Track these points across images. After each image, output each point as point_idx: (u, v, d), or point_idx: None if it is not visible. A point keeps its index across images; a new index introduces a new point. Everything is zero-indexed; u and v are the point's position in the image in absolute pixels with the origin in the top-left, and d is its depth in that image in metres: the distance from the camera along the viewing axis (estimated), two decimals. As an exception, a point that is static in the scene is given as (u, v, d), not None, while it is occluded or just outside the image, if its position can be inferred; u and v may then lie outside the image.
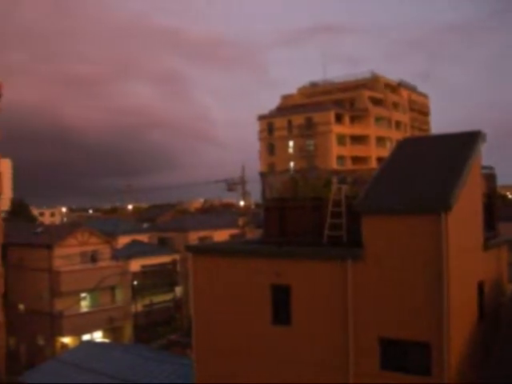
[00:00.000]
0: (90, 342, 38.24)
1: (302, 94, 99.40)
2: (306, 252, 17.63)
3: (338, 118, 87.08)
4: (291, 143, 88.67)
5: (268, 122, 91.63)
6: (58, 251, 45.20)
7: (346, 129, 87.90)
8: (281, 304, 17.94)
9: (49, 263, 45.02)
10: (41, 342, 45.63)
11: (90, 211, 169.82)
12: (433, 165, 17.71)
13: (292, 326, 17.64)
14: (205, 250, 21.55)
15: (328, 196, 18.50)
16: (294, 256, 17.76)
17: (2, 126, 40.55)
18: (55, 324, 44.63)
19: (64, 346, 44.69)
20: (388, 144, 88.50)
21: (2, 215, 48.58)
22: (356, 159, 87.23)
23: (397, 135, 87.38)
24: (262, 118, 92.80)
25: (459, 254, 15.67)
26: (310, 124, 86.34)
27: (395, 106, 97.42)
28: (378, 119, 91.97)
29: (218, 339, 19.33)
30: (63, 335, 44.99)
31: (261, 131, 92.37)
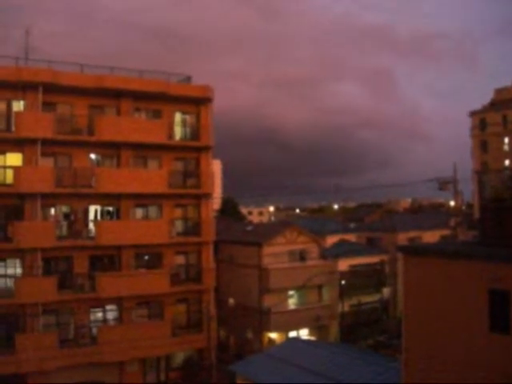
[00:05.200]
0: (297, 339, 38.73)
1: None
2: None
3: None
4: (506, 140, 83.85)
5: (480, 118, 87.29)
6: (267, 249, 46.40)
7: None
8: (499, 311, 16.68)
9: (258, 260, 46.40)
10: (249, 335, 47.21)
11: (297, 210, 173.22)
12: None
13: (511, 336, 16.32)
14: (417, 250, 20.73)
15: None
16: (514, 260, 16.41)
17: (214, 128, 42.77)
18: (263, 319, 45.87)
19: (271, 340, 45.90)
20: None
21: (213, 214, 50.89)
22: None
23: None
24: (473, 113, 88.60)
25: None
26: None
27: None
28: None
29: (429, 344, 18.44)
30: (270, 330, 46.14)
31: (473, 127, 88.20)
